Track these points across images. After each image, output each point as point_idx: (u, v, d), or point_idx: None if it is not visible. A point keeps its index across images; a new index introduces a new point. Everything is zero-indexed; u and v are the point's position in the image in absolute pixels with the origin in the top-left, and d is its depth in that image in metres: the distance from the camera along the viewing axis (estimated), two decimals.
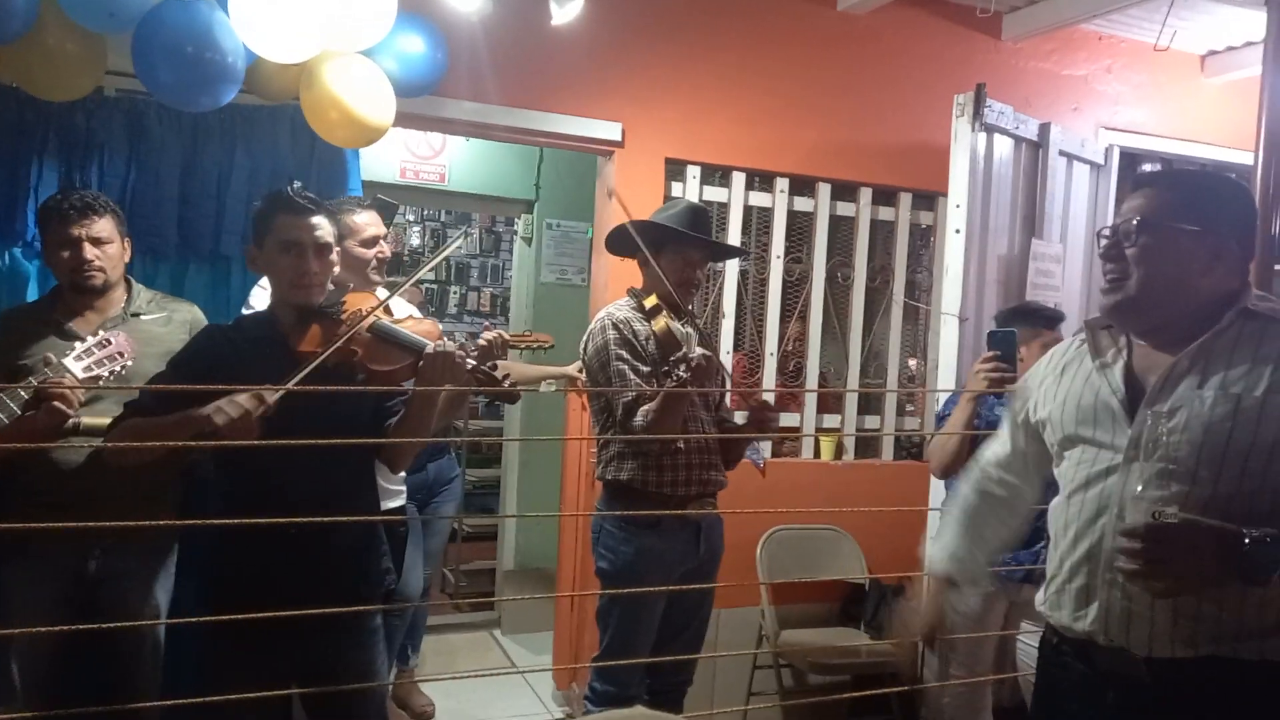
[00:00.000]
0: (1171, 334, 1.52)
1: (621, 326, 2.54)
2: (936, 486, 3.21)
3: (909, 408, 4.06)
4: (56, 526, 1.92)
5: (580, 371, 2.72)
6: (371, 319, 1.98)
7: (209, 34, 2.39)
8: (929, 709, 3.29)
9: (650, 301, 2.59)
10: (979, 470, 1.89)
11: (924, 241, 4.03)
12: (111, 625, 2.09)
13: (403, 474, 2.53)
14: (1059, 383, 1.66)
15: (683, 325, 2.52)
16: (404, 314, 2.42)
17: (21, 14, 2.25)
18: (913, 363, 4.06)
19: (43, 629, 1.93)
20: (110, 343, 2.07)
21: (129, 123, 2.69)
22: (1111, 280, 1.55)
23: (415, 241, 6.47)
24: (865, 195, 3.86)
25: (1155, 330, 1.56)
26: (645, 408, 2.42)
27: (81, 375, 2.02)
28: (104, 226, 2.29)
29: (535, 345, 2.85)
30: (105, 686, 2.28)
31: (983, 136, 3.35)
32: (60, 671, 2.27)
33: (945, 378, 3.27)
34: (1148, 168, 4.11)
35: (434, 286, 6.53)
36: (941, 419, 2.91)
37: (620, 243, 2.68)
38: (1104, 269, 1.58)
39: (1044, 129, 3.55)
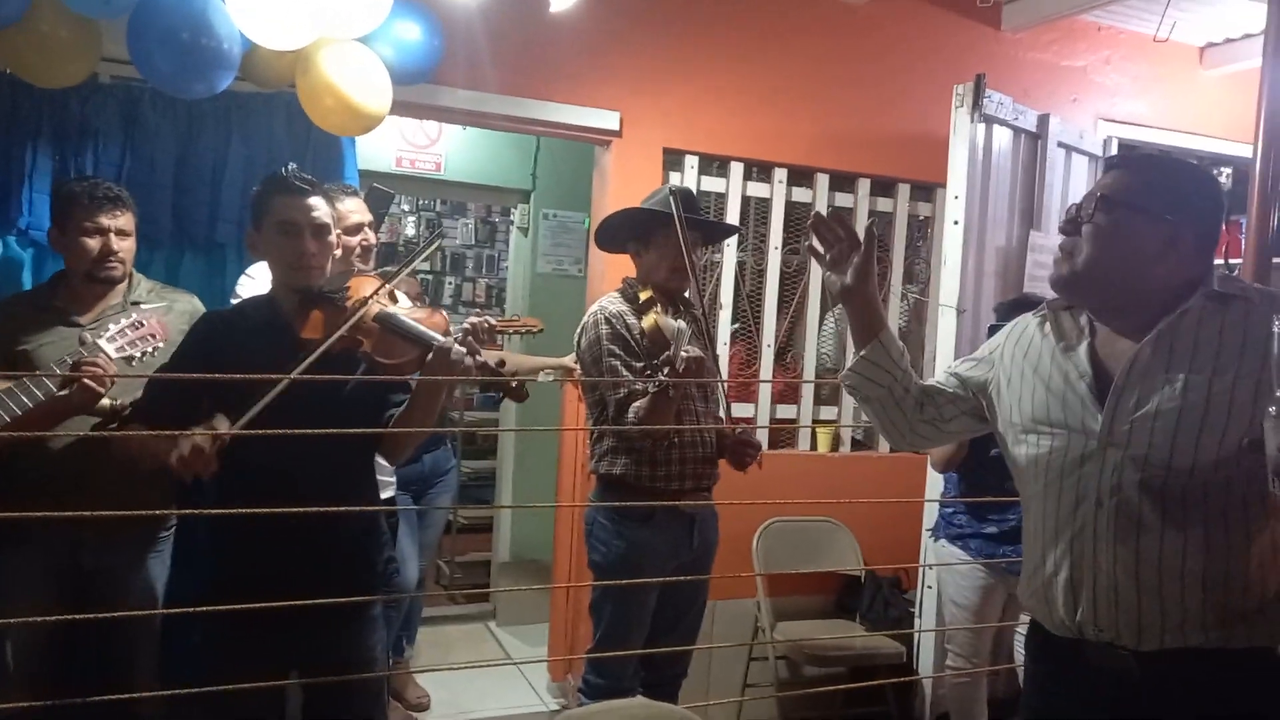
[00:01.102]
0: (1132, 319, 1.51)
1: (614, 320, 2.49)
2: (933, 479, 3.21)
3: None
4: (75, 516, 1.90)
5: (576, 362, 2.69)
6: (377, 308, 1.97)
7: (204, 20, 2.37)
8: (924, 700, 3.31)
9: (644, 294, 2.53)
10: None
11: (922, 233, 4.02)
12: (114, 615, 2.08)
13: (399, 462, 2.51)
14: (1023, 366, 1.63)
15: (675, 319, 2.46)
16: (402, 305, 2.40)
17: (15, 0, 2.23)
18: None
19: (41, 619, 1.93)
20: (143, 324, 2.08)
21: (124, 110, 2.67)
22: (1064, 255, 1.54)
23: (410, 231, 6.44)
24: (864, 186, 3.85)
25: (1110, 312, 1.54)
26: (635, 405, 2.40)
27: (115, 356, 2.02)
28: (127, 220, 2.32)
29: (524, 330, 2.83)
30: (101, 673, 2.28)
31: (982, 128, 3.34)
32: (55, 659, 2.27)
33: (942, 369, 3.26)
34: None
35: (429, 277, 6.50)
36: None
37: (609, 238, 2.65)
38: (1059, 243, 1.57)
39: (1043, 120, 3.54)
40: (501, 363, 2.01)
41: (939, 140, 3.40)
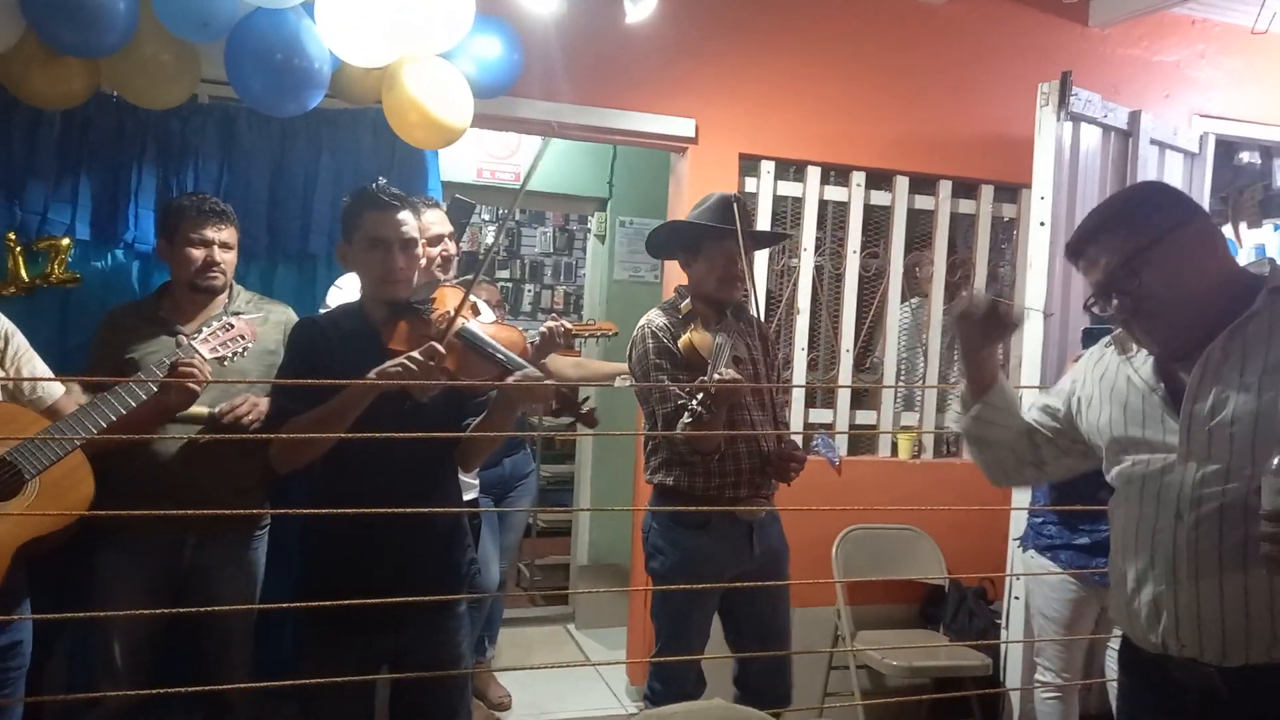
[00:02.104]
0: (1196, 327, 1.47)
1: (660, 334, 2.49)
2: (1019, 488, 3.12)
3: None
4: (174, 515, 2.00)
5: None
6: (459, 323, 2.02)
7: (296, 41, 2.47)
8: (1012, 715, 3.22)
9: (684, 308, 2.53)
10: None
11: (1007, 235, 3.93)
12: (212, 609, 2.18)
13: (475, 469, 2.57)
14: (1099, 387, 1.61)
15: (716, 332, 2.43)
16: (486, 315, 2.46)
17: (122, 26, 2.35)
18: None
19: (144, 612, 2.03)
20: (233, 326, 2.19)
21: (221, 128, 2.79)
22: (1136, 335, 1.51)
23: (491, 240, 6.55)
24: (945, 188, 3.78)
25: (1182, 328, 1.50)
26: (683, 421, 2.35)
27: (209, 356, 2.13)
28: (231, 234, 2.44)
29: (598, 334, 2.88)
30: (198, 666, 2.39)
31: (1069, 126, 3.25)
32: (156, 652, 2.38)
33: (1029, 375, 3.19)
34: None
35: (509, 285, 6.61)
36: None
37: (659, 250, 2.66)
38: (1115, 336, 1.56)
39: (1134, 117, 3.43)
40: (575, 391, 2.05)
41: (1023, 140, 3.32)
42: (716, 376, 2.23)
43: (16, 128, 2.60)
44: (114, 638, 2.31)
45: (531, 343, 2.10)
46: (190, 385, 2.08)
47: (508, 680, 3.63)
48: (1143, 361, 1.54)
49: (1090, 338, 2.60)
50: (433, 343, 1.89)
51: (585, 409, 1.98)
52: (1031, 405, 1.79)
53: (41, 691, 2.42)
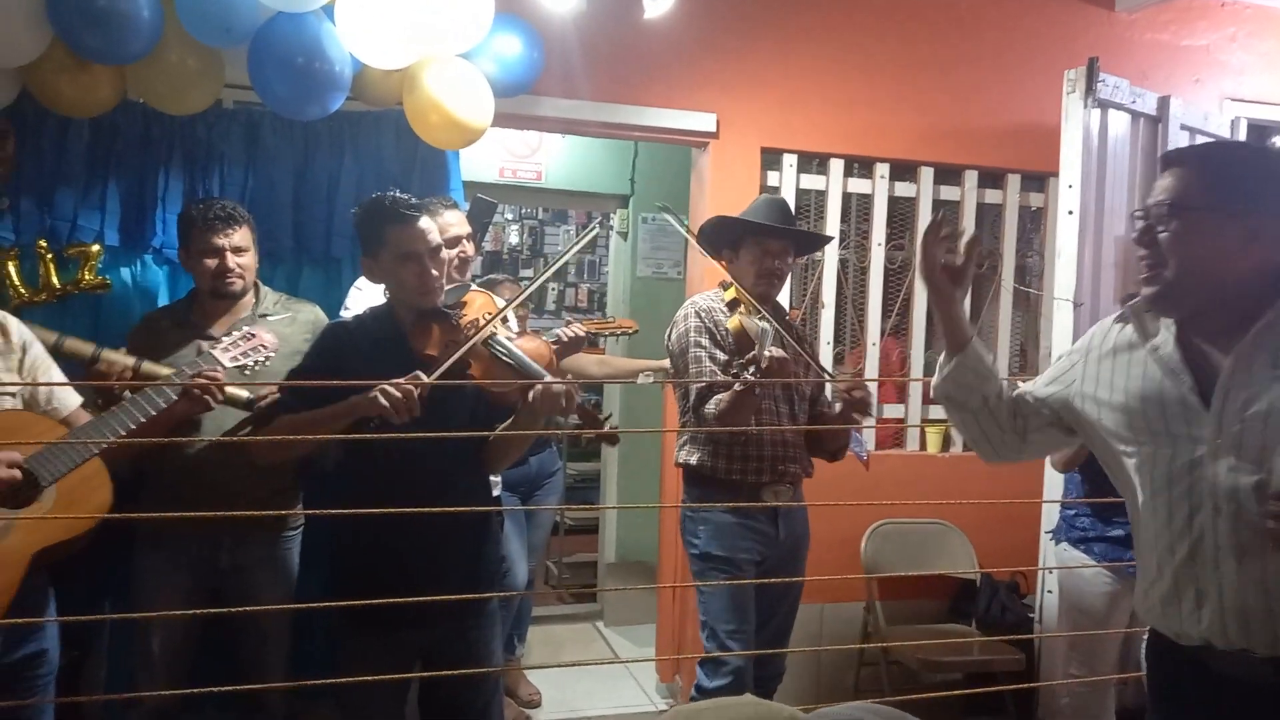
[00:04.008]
0: (1221, 319, 1.43)
1: (704, 315, 2.58)
2: (1052, 480, 3.09)
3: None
4: (203, 516, 2.02)
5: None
6: (489, 330, 2.03)
7: (317, 45, 2.48)
8: (1047, 710, 3.18)
9: (729, 295, 2.60)
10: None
11: (1035, 224, 3.88)
12: (246, 610, 2.21)
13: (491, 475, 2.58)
14: (1110, 374, 1.55)
15: (759, 321, 2.49)
16: (512, 320, 2.46)
17: (147, 33, 2.37)
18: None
19: (179, 613, 2.05)
20: (254, 336, 2.22)
21: (246, 133, 2.81)
22: (1149, 268, 1.46)
23: (514, 240, 6.58)
24: (971, 178, 3.74)
25: (1200, 317, 1.46)
26: (718, 397, 2.46)
27: (229, 365, 2.16)
28: (243, 236, 2.43)
29: (619, 331, 2.89)
30: (235, 663, 2.42)
31: (1096, 113, 3.21)
32: (194, 650, 2.41)
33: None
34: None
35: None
36: None
37: (707, 243, 2.70)
38: (1138, 255, 1.48)
39: (1163, 102, 3.37)
40: (598, 405, 2.06)
41: (1050, 128, 3.28)
42: (767, 354, 2.31)
43: (46, 136, 2.64)
44: (153, 637, 2.35)
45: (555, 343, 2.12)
46: (203, 396, 2.09)
47: (537, 678, 3.64)
48: (1168, 348, 1.48)
49: None
50: (409, 383, 1.85)
51: (607, 427, 2.01)
52: (1023, 387, 1.75)
53: (81, 691, 2.46)
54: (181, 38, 2.45)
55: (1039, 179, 3.80)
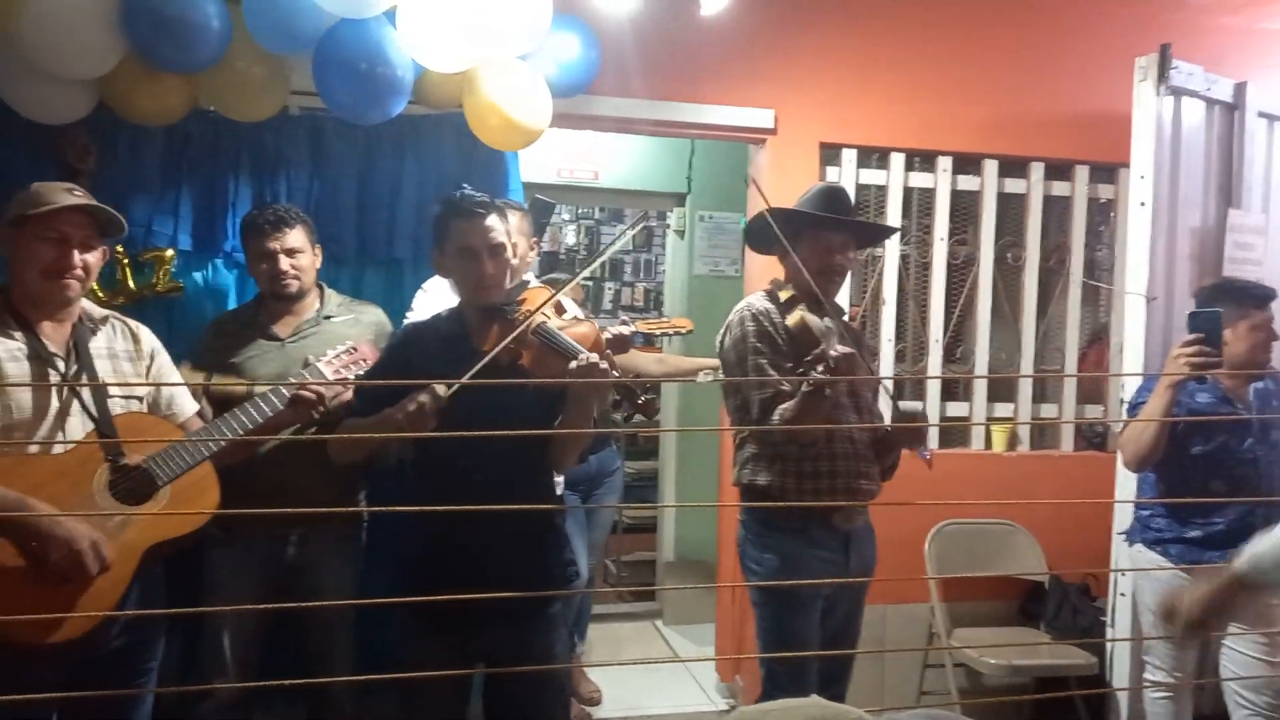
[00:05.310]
0: None
1: (761, 318, 2.35)
2: (1125, 479, 3.00)
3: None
4: (287, 512, 2.08)
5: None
6: (538, 321, 2.04)
7: (380, 50, 2.52)
8: (1120, 716, 3.09)
9: (785, 294, 2.40)
10: None
11: (1104, 217, 3.77)
12: (314, 605, 2.27)
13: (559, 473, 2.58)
14: None
15: (822, 319, 2.31)
16: (572, 314, 2.47)
17: (216, 42, 2.44)
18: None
19: (249, 607, 2.10)
20: (356, 350, 2.31)
21: (311, 138, 2.87)
22: None
23: (570, 239, 6.61)
24: (1037, 170, 3.65)
25: None
26: (782, 406, 2.23)
27: (331, 376, 2.25)
28: (296, 237, 2.48)
29: (673, 331, 2.85)
30: (301, 658, 2.48)
31: (1169, 101, 3.11)
32: (264, 646, 2.47)
33: (1131, 361, 3.05)
34: None
35: (589, 283, 6.65)
36: (1135, 407, 2.73)
37: (758, 237, 2.55)
38: None
39: (1239, 89, 3.25)
40: (645, 389, 2.06)
41: (1119, 117, 3.18)
42: (834, 352, 2.12)
43: (122, 144, 2.72)
44: (225, 631, 2.42)
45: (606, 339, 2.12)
46: (310, 400, 2.18)
47: (598, 675, 3.65)
48: None
49: (1196, 320, 2.47)
50: (435, 387, 1.90)
51: (642, 399, 2.00)
52: None
53: (157, 683, 2.54)
54: (249, 46, 2.51)
55: (1108, 170, 3.69)
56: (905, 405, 2.60)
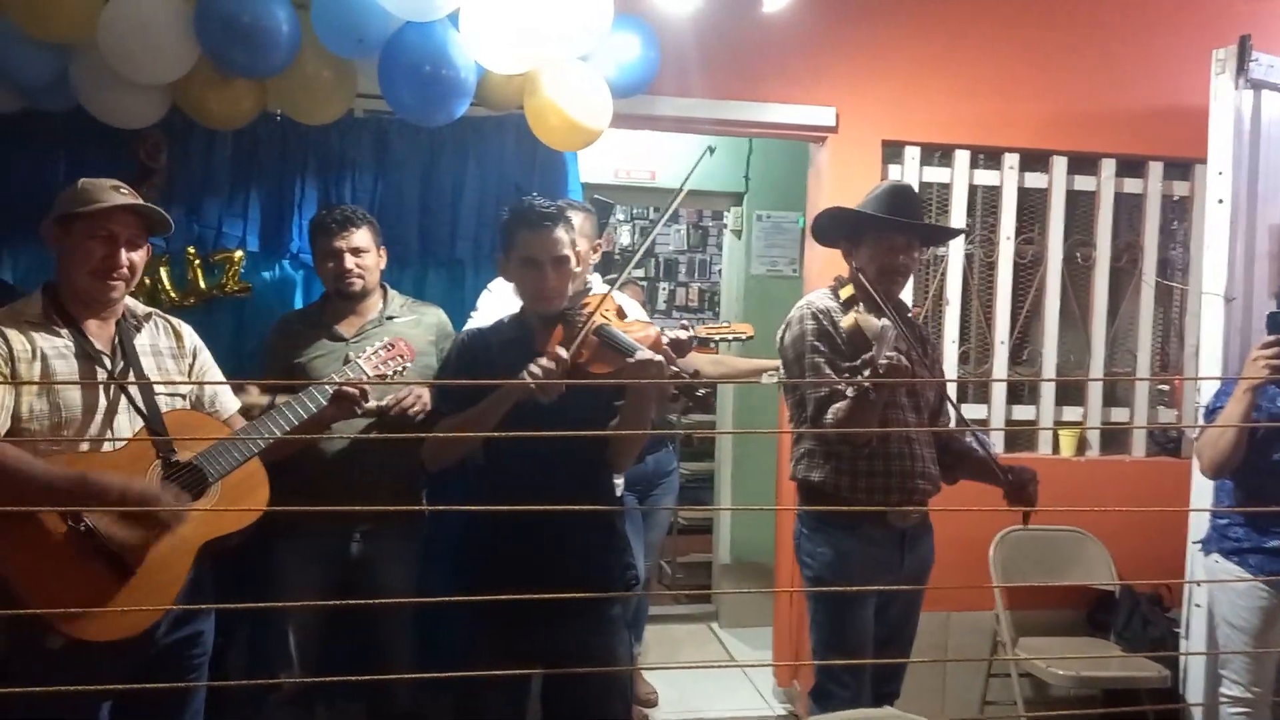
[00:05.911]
0: None
1: (821, 317, 2.37)
2: (1200, 486, 2.90)
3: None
4: (352, 510, 2.11)
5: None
6: (599, 321, 2.06)
7: (443, 52, 2.54)
8: None
9: (846, 293, 2.41)
10: None
11: (1179, 215, 3.66)
12: (380, 601, 2.31)
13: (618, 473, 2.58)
14: None
15: (879, 320, 2.30)
16: (634, 316, 2.47)
17: (286, 47, 2.48)
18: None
19: (312, 604, 2.13)
20: (394, 346, 2.35)
21: (375, 141, 2.91)
22: None
23: (625, 240, 6.62)
24: (1108, 167, 3.55)
25: None
26: (835, 407, 2.26)
27: (371, 374, 2.28)
28: (361, 237, 2.53)
29: (733, 337, 2.82)
30: (363, 653, 2.51)
31: (1248, 94, 2.99)
32: (327, 641, 2.51)
33: (1208, 364, 2.95)
34: None
35: (644, 283, 6.65)
36: (1213, 411, 2.64)
37: (823, 232, 2.57)
38: None
39: None
40: (696, 373, 2.06)
41: (1195, 111, 3.08)
42: (885, 357, 2.12)
43: (194, 148, 2.79)
44: (289, 627, 2.47)
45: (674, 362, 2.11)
46: (352, 396, 2.22)
47: (654, 677, 3.65)
48: None
49: (1276, 321, 2.38)
50: (556, 351, 1.96)
51: (699, 392, 2.03)
52: None
53: (225, 677, 2.59)
54: (317, 51, 2.55)
55: (1183, 166, 3.58)
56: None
